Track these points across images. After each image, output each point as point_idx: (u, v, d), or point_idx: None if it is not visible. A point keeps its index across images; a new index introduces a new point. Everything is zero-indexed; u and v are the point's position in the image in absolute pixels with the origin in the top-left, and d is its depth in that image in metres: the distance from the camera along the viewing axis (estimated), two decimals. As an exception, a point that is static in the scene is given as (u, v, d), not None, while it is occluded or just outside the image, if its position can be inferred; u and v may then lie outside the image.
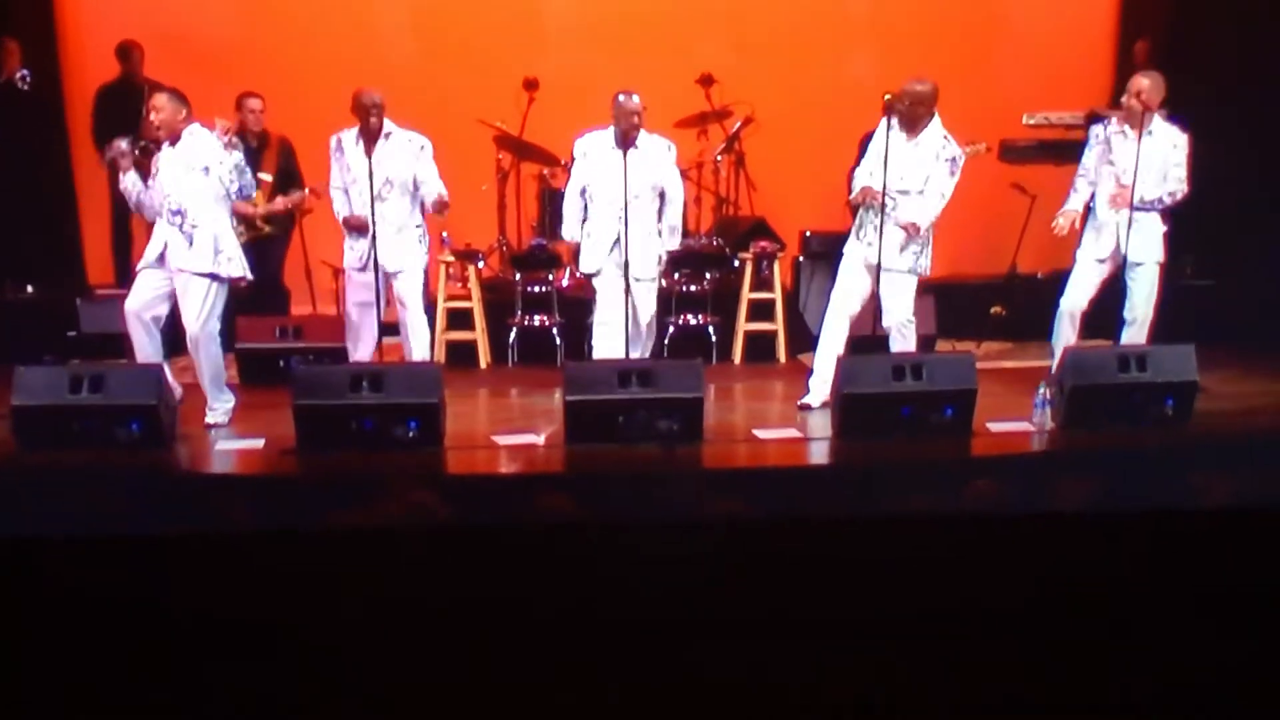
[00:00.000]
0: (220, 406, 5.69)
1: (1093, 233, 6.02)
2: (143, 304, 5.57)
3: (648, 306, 6.16)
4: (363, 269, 5.98)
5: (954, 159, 5.77)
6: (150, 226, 5.70)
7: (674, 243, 6.26)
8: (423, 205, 6.07)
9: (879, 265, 5.73)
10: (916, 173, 5.74)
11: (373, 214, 5.84)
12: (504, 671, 3.93)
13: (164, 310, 5.59)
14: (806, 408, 5.94)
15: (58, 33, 8.22)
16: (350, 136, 5.99)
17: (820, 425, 5.66)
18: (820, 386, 5.88)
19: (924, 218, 5.75)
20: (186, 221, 5.51)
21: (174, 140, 5.54)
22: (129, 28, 7.85)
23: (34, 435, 5.16)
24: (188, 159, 5.52)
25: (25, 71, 7.42)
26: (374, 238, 5.87)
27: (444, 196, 6.02)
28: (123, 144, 5.64)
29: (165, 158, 5.57)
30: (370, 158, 5.80)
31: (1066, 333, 5.98)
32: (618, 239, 5.94)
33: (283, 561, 4.51)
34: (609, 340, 6.03)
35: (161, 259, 5.55)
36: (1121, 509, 4.90)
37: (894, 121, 5.68)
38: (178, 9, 8.17)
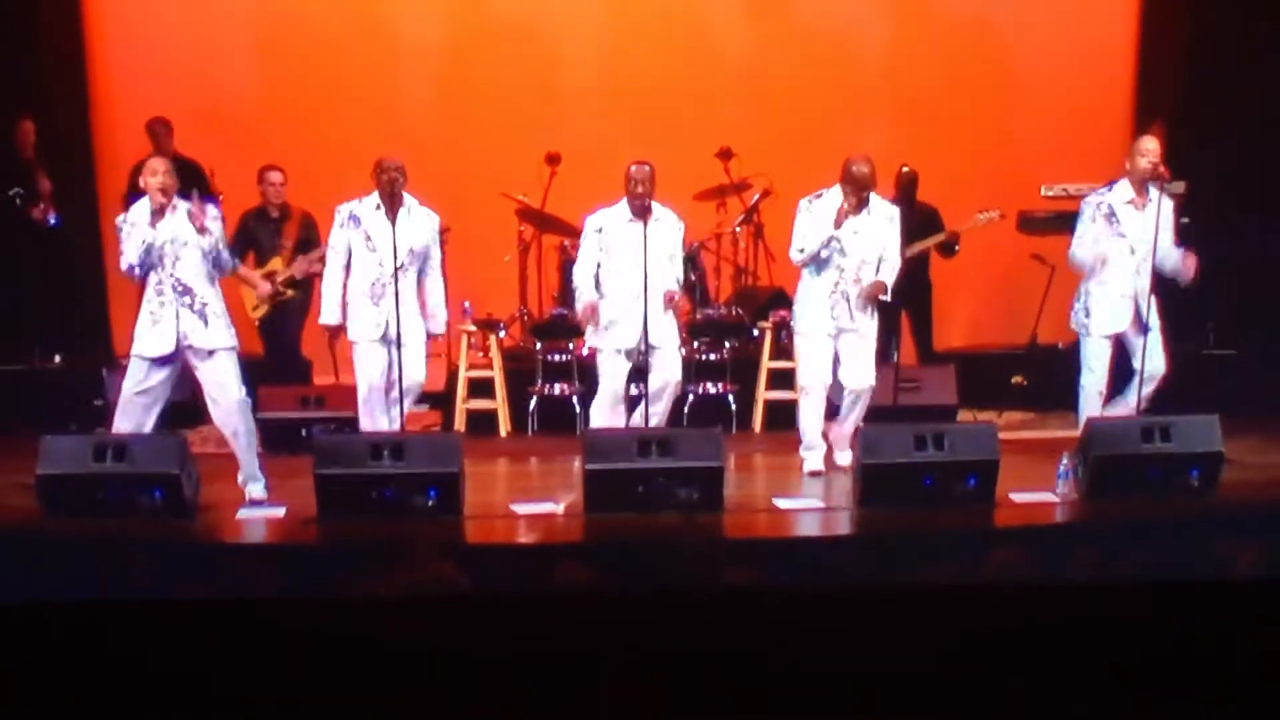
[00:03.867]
0: (261, 480, 5.57)
1: (1105, 305, 5.98)
2: (144, 404, 5.35)
3: (665, 371, 6.11)
4: (382, 339, 5.87)
5: (894, 217, 6.05)
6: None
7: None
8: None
9: (856, 333, 5.93)
10: (873, 243, 5.94)
11: (396, 283, 5.77)
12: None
13: (165, 404, 5.44)
14: (818, 473, 6.02)
15: (90, 106, 8.40)
16: (367, 206, 5.89)
17: (841, 495, 5.63)
18: (814, 451, 6.07)
19: (892, 276, 6.03)
20: (196, 300, 5.38)
21: (166, 210, 5.36)
22: (158, 101, 7.98)
23: (58, 503, 5.18)
24: (183, 233, 5.37)
25: (19, 190, 7.53)
26: (397, 308, 5.79)
27: (441, 310, 6.08)
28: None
29: (163, 228, 5.36)
30: (394, 226, 5.77)
31: (1095, 409, 5.96)
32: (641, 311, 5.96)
33: (303, 630, 4.49)
34: (603, 414, 6.14)
35: (176, 350, 5.35)
36: (1147, 580, 4.84)
37: (847, 201, 5.92)
38: (205, 83, 8.32)
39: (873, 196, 6.00)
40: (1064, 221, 8.00)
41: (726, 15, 8.67)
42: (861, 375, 6.01)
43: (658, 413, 6.12)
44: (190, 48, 8.33)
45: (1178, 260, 5.99)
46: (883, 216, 6.00)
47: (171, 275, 5.39)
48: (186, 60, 8.31)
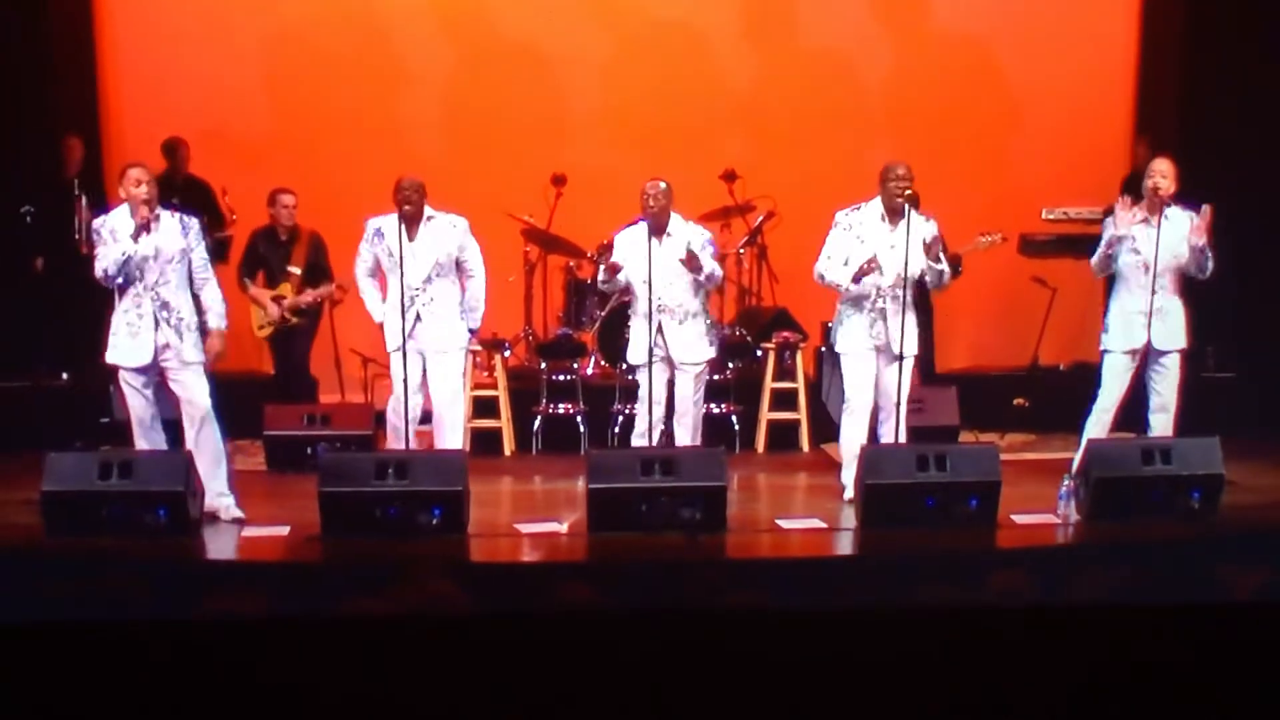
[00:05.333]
0: (231, 497, 5.58)
1: (1121, 325, 5.98)
2: (146, 409, 5.49)
3: (685, 392, 6.17)
4: (400, 350, 5.91)
5: (933, 224, 5.91)
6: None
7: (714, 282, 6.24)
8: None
9: (898, 355, 5.80)
10: (911, 258, 5.77)
11: (403, 298, 5.83)
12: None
13: (156, 408, 5.54)
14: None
15: (102, 128, 8.46)
16: (391, 223, 5.91)
17: (844, 516, 5.65)
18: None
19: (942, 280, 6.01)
20: (173, 316, 5.43)
21: (150, 224, 5.37)
22: (170, 123, 8.07)
23: (62, 521, 5.20)
24: (166, 249, 5.42)
25: (30, 208, 7.55)
26: (416, 319, 5.88)
27: (480, 305, 6.09)
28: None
29: (145, 243, 5.37)
30: (414, 241, 5.85)
31: (1106, 428, 5.94)
32: (659, 327, 6.05)
33: (306, 648, 4.51)
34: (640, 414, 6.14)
35: (153, 362, 5.43)
36: (1148, 602, 4.85)
37: (885, 213, 5.86)
38: (215, 105, 8.39)
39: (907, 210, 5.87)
40: (1065, 244, 8.08)
41: (730, 39, 8.73)
42: (904, 390, 5.83)
43: (676, 433, 6.15)
44: (201, 72, 8.39)
45: (1196, 255, 5.86)
46: (922, 228, 5.83)
47: (152, 290, 5.43)
48: (197, 84, 8.37)
